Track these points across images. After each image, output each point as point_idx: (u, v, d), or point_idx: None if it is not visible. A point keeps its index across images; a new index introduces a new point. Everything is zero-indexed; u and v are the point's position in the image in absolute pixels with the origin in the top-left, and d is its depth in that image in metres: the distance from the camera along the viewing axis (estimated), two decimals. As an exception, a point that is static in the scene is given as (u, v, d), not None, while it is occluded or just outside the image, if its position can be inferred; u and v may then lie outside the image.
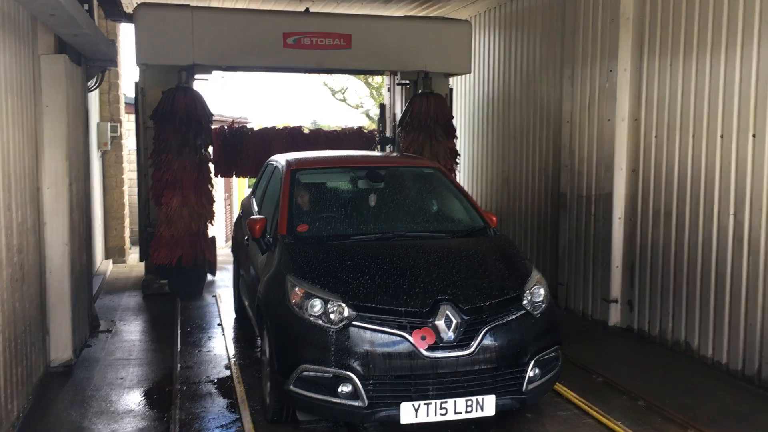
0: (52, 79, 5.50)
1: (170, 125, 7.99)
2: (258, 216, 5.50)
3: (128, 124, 11.70)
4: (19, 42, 4.83)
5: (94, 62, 7.04)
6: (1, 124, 4.34)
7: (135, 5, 8.63)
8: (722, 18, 5.66)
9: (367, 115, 29.01)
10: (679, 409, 4.98)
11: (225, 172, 10.25)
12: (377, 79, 24.91)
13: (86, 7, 5.79)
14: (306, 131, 10.30)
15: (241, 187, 20.39)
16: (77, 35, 5.42)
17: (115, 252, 10.94)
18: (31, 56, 5.25)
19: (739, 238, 5.52)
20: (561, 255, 7.86)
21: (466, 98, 10.78)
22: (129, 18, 8.51)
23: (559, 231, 7.90)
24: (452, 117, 9.48)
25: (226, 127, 10.09)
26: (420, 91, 9.22)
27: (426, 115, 9.09)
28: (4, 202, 4.37)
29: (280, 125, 11.10)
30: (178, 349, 6.36)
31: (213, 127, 8.86)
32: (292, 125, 10.40)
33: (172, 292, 8.49)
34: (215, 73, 8.86)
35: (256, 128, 10.23)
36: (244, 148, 9.92)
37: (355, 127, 11.46)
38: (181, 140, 8.03)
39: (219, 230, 15.83)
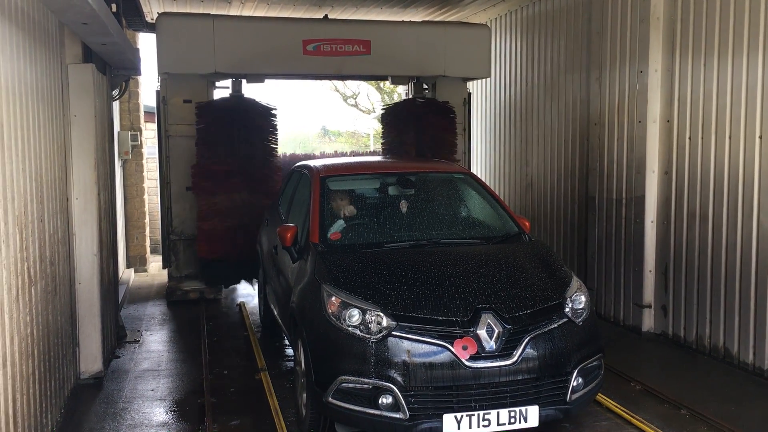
0: (80, 88, 5.47)
1: (233, 122, 8.14)
2: (288, 224, 5.42)
3: (147, 132, 11.68)
4: (48, 51, 4.79)
5: (118, 71, 7.00)
6: (33, 135, 4.29)
7: (156, 15, 8.62)
8: (759, 15, 5.53)
9: (379, 121, 28.89)
10: (724, 417, 4.85)
11: None
12: (389, 83, 24.77)
13: (113, 9, 5.75)
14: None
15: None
16: (106, 44, 5.37)
17: (136, 261, 10.91)
18: (59, 65, 5.21)
19: (780, 240, 5.40)
20: (590, 259, 7.73)
21: (485, 102, 10.69)
22: (150, 27, 8.50)
23: (588, 235, 7.77)
24: (438, 113, 9.21)
25: None
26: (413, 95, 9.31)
27: (406, 113, 9.15)
28: (37, 214, 4.32)
29: (298, 152, 11.19)
30: (207, 360, 6.29)
31: None
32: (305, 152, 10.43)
33: (224, 283, 8.64)
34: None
35: None
36: None
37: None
38: (241, 136, 8.17)
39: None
